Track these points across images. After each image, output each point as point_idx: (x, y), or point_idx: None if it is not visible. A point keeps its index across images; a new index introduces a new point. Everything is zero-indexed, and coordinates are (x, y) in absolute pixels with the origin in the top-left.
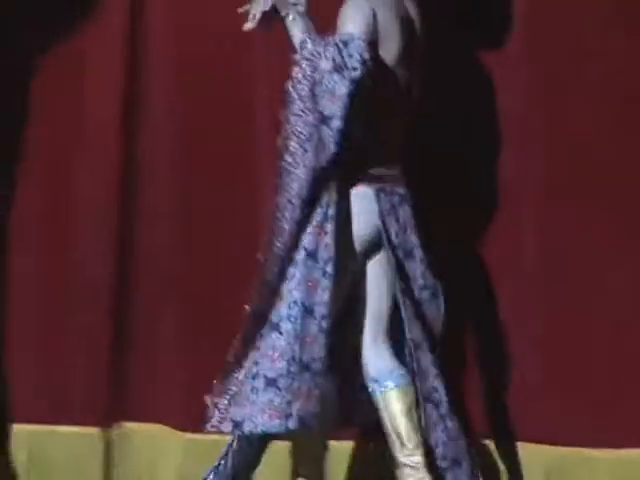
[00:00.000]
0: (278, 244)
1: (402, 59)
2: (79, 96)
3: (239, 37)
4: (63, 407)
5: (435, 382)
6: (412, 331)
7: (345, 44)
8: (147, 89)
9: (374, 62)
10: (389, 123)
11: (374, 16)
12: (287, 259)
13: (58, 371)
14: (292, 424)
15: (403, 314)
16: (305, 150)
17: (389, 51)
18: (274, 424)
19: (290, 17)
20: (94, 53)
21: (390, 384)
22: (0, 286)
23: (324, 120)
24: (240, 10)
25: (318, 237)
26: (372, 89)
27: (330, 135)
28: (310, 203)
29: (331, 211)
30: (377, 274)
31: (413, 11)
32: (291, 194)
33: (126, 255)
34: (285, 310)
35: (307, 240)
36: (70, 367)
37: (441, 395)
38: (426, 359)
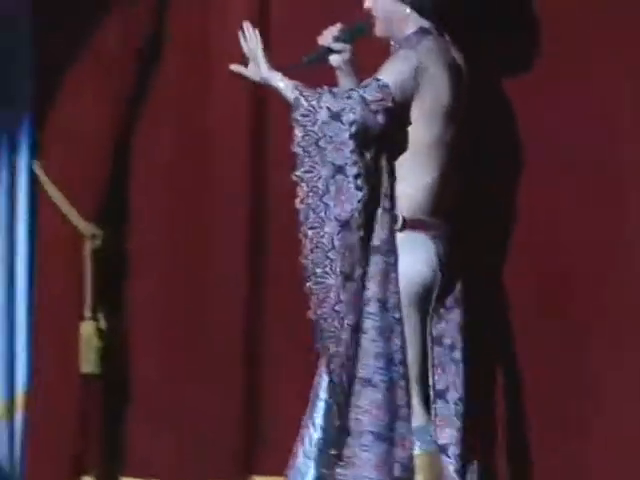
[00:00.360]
0: (329, 300)
1: (451, 113)
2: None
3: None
4: (194, 461)
5: (456, 434)
6: (440, 377)
7: (357, 88)
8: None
9: (401, 110)
10: (438, 174)
11: (417, 68)
12: (350, 310)
13: (188, 425)
14: (397, 472)
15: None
16: (326, 204)
17: (438, 103)
18: (382, 474)
19: (281, 84)
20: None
21: (417, 448)
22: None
23: (338, 170)
24: (234, 68)
25: (385, 286)
26: (401, 136)
27: (349, 182)
28: (347, 253)
29: (392, 259)
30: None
31: (459, 58)
32: (325, 250)
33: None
34: (372, 362)
35: (376, 291)
36: (201, 422)
37: (461, 450)
38: (448, 410)
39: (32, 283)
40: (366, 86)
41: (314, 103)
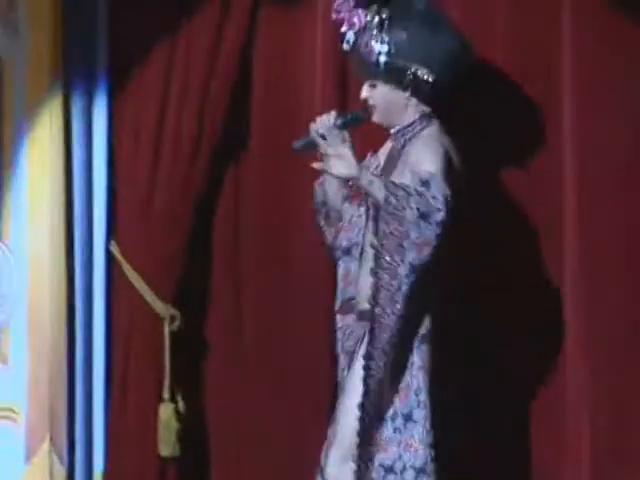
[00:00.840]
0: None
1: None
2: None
3: None
4: None
5: None
6: None
7: (427, 186)
8: None
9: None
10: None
11: (446, 153)
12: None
13: None
14: None
15: None
16: (395, 301)
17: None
18: None
19: (369, 181)
20: None
21: None
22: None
23: (413, 270)
24: (316, 166)
25: None
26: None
27: (422, 281)
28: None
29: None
30: None
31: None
32: (381, 342)
33: None
34: (413, 398)
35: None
36: None
37: None
38: None
39: (109, 364)
40: (432, 182)
41: (404, 203)
